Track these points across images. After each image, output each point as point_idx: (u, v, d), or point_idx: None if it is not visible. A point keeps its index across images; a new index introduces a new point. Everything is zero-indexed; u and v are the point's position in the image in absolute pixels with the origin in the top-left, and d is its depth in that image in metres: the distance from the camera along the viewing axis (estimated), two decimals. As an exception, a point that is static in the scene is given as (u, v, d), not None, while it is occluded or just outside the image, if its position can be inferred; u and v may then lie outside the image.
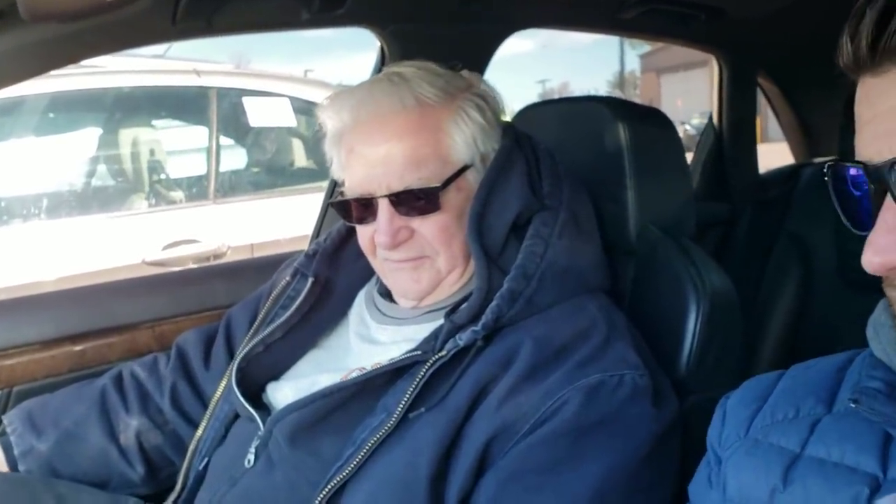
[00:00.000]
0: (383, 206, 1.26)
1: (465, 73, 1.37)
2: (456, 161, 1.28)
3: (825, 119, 2.80)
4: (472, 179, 1.30)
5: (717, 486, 0.91)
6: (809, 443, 0.83)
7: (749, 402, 0.93)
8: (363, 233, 1.33)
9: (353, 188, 1.30)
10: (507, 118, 1.45)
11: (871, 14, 0.66)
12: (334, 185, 2.07)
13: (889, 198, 0.67)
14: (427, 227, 1.27)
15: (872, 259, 0.69)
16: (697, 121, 21.16)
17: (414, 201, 1.25)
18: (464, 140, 1.29)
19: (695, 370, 1.30)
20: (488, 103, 1.34)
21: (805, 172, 2.59)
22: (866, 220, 0.71)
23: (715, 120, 2.73)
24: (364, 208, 1.29)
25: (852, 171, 0.71)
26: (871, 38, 0.66)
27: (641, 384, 1.15)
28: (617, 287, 1.40)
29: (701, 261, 1.37)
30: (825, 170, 0.75)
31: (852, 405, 0.77)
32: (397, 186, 1.24)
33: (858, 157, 0.70)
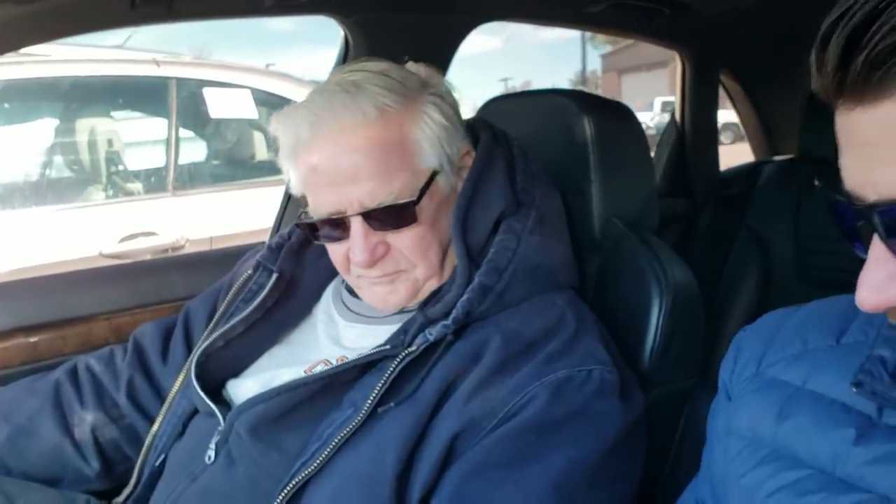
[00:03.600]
0: (356, 224, 1.20)
1: (413, 66, 1.32)
2: (425, 169, 1.23)
3: (786, 117, 2.84)
4: (443, 184, 1.26)
5: (723, 420, 0.92)
6: (810, 376, 0.82)
7: (762, 336, 0.93)
8: (336, 250, 1.27)
9: (320, 208, 1.23)
10: (470, 114, 1.43)
11: (836, 43, 0.59)
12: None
13: (876, 237, 0.62)
14: (403, 240, 1.22)
15: (868, 298, 0.63)
16: (657, 119, 21.39)
17: (389, 217, 1.20)
18: (430, 145, 1.23)
19: (658, 364, 1.31)
20: (446, 100, 1.28)
21: (765, 170, 2.63)
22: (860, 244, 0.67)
23: (678, 117, 2.75)
24: (335, 227, 1.23)
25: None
26: (838, 75, 0.60)
27: (609, 379, 1.15)
28: (581, 281, 1.39)
29: (664, 255, 1.37)
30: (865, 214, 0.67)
31: (854, 390, 0.75)
32: (370, 203, 1.19)
33: (844, 184, 0.64)
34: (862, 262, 0.64)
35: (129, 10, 1.41)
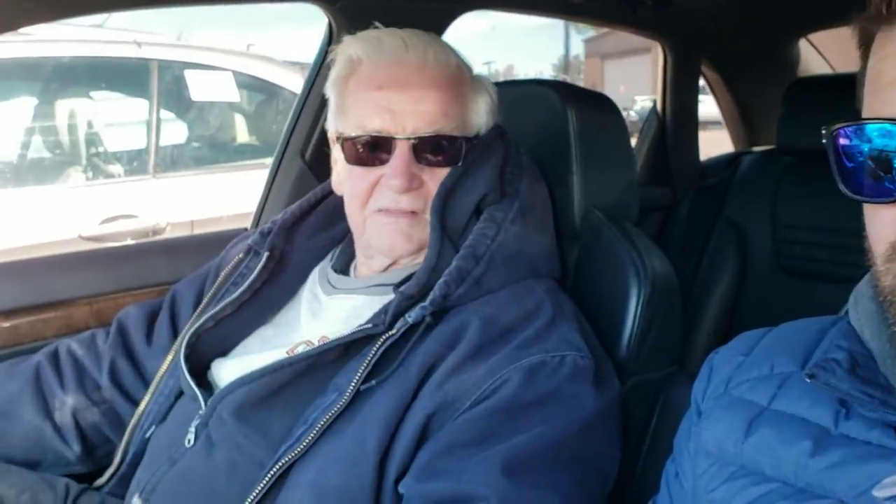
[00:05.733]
0: (402, 149, 1.26)
1: None
2: (474, 125, 1.34)
3: (765, 108, 2.86)
4: None
5: (693, 438, 0.94)
6: (776, 397, 0.85)
7: (732, 358, 0.96)
8: (364, 177, 1.30)
9: (367, 126, 1.28)
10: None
11: None
12: (280, 160, 2.03)
13: None
14: (437, 180, 1.28)
15: None
16: (640, 106, 21.32)
17: (436, 148, 1.27)
18: (485, 108, 1.36)
19: (635, 352, 1.33)
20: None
21: (744, 160, 2.65)
22: (857, 188, 0.71)
23: (658, 107, 2.76)
24: (376, 148, 1.28)
25: (842, 142, 0.71)
26: None
27: (582, 365, 1.17)
28: (562, 271, 1.41)
29: (643, 245, 1.39)
30: (825, 135, 0.73)
31: (808, 380, 0.79)
32: (425, 129, 1.26)
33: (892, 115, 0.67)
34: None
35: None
